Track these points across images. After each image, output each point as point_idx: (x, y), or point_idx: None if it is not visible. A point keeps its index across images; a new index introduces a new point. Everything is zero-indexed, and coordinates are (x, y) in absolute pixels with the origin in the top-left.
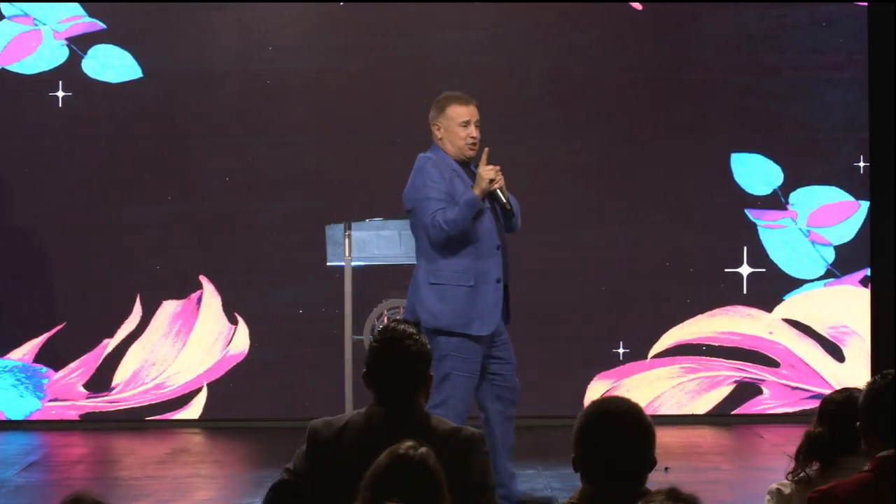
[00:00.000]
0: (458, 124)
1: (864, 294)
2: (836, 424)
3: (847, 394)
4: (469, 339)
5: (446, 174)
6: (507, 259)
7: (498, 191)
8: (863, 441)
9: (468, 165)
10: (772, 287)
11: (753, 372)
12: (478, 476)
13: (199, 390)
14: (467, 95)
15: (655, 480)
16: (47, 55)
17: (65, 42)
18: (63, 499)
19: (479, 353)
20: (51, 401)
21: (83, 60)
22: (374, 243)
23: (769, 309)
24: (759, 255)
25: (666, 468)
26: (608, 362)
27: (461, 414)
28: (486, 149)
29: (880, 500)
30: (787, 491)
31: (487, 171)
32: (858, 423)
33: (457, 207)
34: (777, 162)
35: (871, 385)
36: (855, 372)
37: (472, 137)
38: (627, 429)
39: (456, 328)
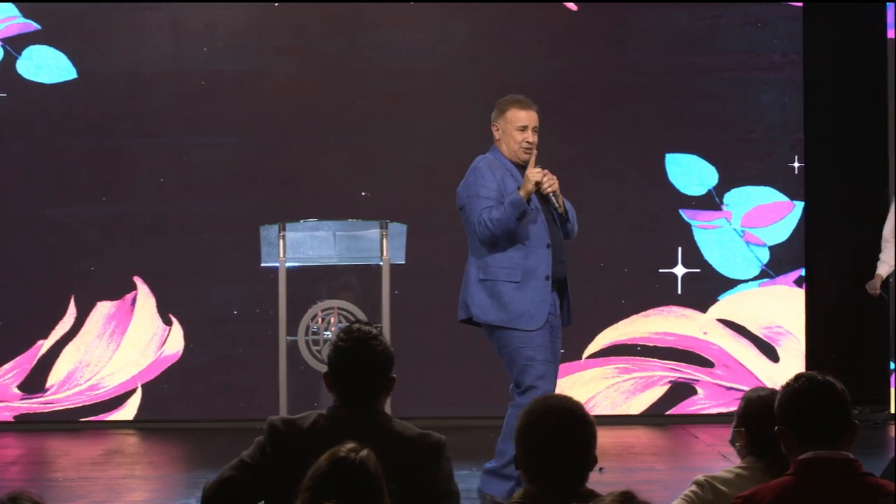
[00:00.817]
0: (515, 128)
1: (799, 294)
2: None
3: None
4: (530, 330)
5: (498, 174)
6: (560, 256)
7: (551, 196)
8: (781, 444)
9: (525, 168)
10: (706, 287)
11: (688, 372)
12: (443, 482)
13: (133, 391)
14: (528, 100)
15: (589, 481)
16: None
17: None
18: (1, 498)
19: (545, 339)
20: None
21: (18, 61)
22: (308, 244)
23: (704, 309)
24: (694, 256)
25: (600, 468)
26: None
27: None
28: (535, 151)
29: (802, 503)
30: (723, 489)
31: (534, 173)
32: (776, 426)
33: (502, 207)
34: (712, 162)
35: (786, 388)
36: (789, 372)
37: (528, 142)
38: (570, 427)
39: (504, 323)
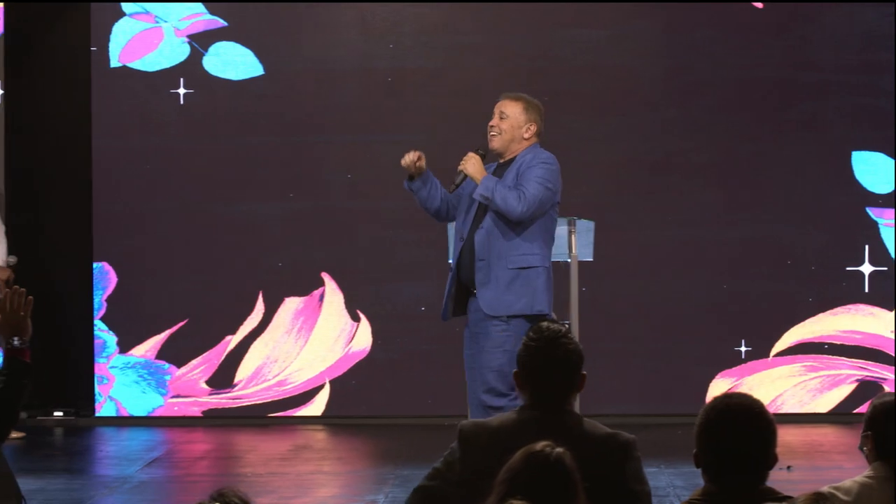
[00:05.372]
0: None
1: None
2: None
3: None
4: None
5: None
6: (469, 252)
7: (459, 173)
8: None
9: (509, 160)
10: (894, 286)
11: (876, 371)
12: (633, 482)
13: (321, 387)
14: (507, 92)
15: (777, 479)
16: (168, 52)
17: (186, 39)
18: (211, 493)
19: (465, 337)
20: (173, 397)
21: (204, 58)
22: None
23: (891, 307)
24: (881, 254)
25: (788, 467)
26: (730, 360)
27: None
28: (495, 134)
29: None
30: (845, 498)
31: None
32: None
33: None
34: None
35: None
36: None
37: (489, 127)
38: (749, 425)
39: None
